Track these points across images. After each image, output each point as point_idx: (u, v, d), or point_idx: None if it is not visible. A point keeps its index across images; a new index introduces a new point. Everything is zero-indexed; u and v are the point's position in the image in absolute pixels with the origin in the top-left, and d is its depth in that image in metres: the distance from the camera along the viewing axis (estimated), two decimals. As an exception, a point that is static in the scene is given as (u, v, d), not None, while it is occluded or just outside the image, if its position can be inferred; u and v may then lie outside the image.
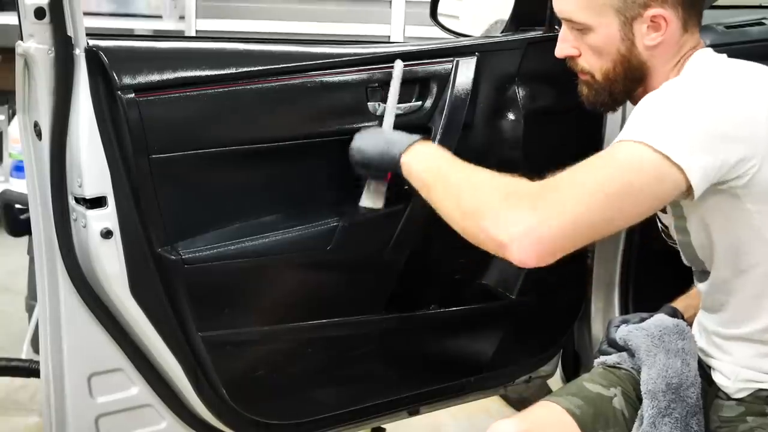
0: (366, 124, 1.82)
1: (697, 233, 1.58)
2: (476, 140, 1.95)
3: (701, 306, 1.70)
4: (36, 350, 2.69)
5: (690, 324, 1.72)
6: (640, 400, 1.64)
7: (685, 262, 1.70)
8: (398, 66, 1.82)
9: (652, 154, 1.40)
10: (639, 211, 1.45)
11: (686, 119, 1.43)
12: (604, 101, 1.68)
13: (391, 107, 1.81)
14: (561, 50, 1.68)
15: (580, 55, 1.65)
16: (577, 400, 1.62)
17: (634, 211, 1.45)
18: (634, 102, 1.63)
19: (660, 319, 1.69)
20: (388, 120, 1.79)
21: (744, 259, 1.53)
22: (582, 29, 1.62)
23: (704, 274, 1.64)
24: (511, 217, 1.39)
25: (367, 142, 1.74)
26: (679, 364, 1.60)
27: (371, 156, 1.71)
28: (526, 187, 1.45)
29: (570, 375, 2.39)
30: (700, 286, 1.68)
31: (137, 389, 1.79)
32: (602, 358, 1.75)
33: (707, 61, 1.59)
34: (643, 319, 1.72)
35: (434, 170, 1.58)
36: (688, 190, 1.43)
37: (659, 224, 1.77)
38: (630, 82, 1.62)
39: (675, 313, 1.76)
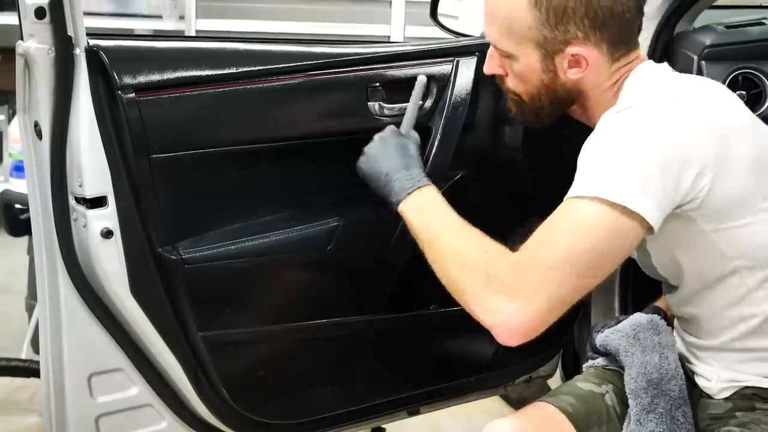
0: (366, 125, 1.82)
1: (658, 255, 1.59)
2: (476, 140, 1.95)
3: (675, 315, 1.71)
4: (36, 350, 2.69)
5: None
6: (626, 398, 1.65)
7: (647, 273, 1.70)
8: (421, 81, 1.82)
9: (609, 210, 1.40)
10: (609, 268, 1.46)
11: (632, 159, 1.42)
12: (531, 120, 1.69)
13: (408, 125, 1.80)
14: (488, 68, 1.67)
15: (507, 75, 1.64)
16: (570, 398, 1.64)
17: (605, 270, 1.46)
18: (577, 116, 1.65)
19: (634, 318, 1.71)
20: (402, 137, 1.77)
21: (708, 275, 1.54)
22: (506, 56, 1.61)
23: (671, 287, 1.65)
24: (492, 305, 1.47)
25: (371, 169, 1.72)
26: (657, 359, 1.61)
27: (374, 187, 1.72)
28: (502, 266, 1.48)
29: (570, 375, 2.39)
30: (668, 298, 1.68)
31: (137, 389, 1.79)
32: (590, 362, 1.76)
33: (644, 82, 1.56)
34: (619, 321, 1.73)
35: (426, 229, 1.60)
36: (649, 230, 1.43)
37: None
38: (558, 106, 1.63)
39: (657, 312, 1.77)
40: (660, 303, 1.81)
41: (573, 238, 1.43)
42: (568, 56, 1.54)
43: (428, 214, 1.61)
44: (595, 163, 1.46)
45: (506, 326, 1.47)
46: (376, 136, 1.75)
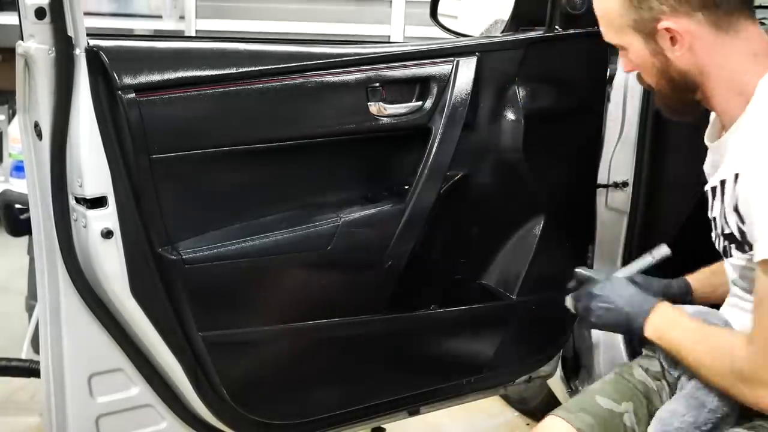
0: (366, 126, 1.82)
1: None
2: (476, 140, 1.95)
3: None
4: (36, 350, 2.68)
5: (703, 302, 1.74)
6: (651, 415, 1.63)
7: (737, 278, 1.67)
8: (662, 250, 1.82)
9: None
10: None
11: None
12: (670, 113, 1.65)
13: (630, 271, 1.81)
14: (624, 66, 1.65)
15: (637, 70, 1.63)
16: (588, 417, 1.61)
17: None
18: (711, 108, 1.59)
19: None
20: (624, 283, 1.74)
21: None
22: (621, 49, 1.61)
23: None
24: (752, 398, 1.49)
25: (608, 317, 1.69)
26: None
27: (612, 328, 1.72)
28: (745, 363, 1.48)
29: (570, 375, 2.39)
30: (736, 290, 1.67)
31: (137, 389, 1.79)
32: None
33: None
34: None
35: (672, 351, 1.61)
36: None
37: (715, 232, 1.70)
38: (681, 92, 1.58)
39: (687, 288, 1.78)
40: (694, 278, 1.83)
41: None
42: (664, 33, 1.51)
43: (668, 337, 1.61)
44: None
45: None
46: (597, 290, 1.71)
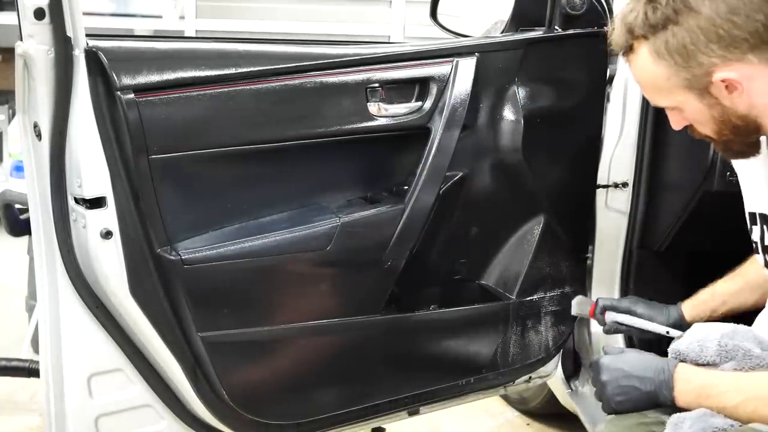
0: (366, 126, 1.82)
1: None
2: (476, 141, 1.95)
3: None
4: (36, 350, 2.69)
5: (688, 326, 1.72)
6: None
7: None
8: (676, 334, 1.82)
9: None
10: None
11: None
12: (732, 156, 1.64)
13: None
14: (674, 124, 1.62)
15: (692, 125, 1.60)
16: None
17: None
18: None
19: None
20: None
21: None
22: (673, 110, 1.58)
23: None
24: None
25: (629, 399, 1.62)
26: None
27: (639, 410, 1.63)
28: None
29: (570, 375, 2.39)
30: None
31: (137, 389, 1.79)
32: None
33: None
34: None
35: (720, 410, 1.54)
36: None
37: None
38: (745, 136, 1.55)
39: (681, 321, 1.76)
40: (687, 307, 1.83)
41: None
42: (719, 84, 1.48)
43: (707, 403, 1.54)
44: None
45: None
46: (604, 376, 1.65)
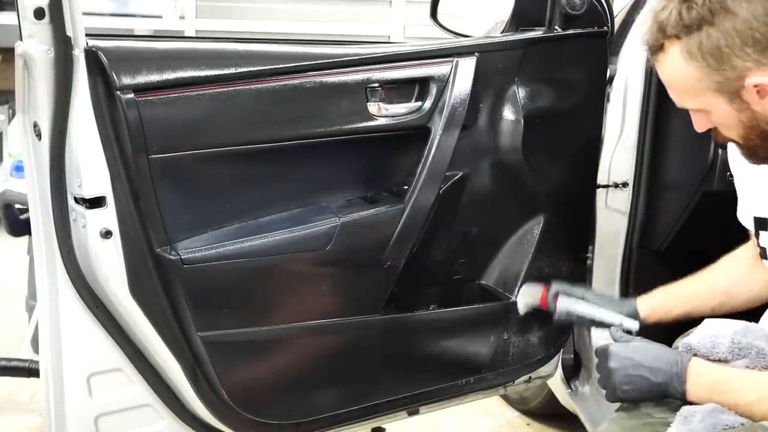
0: (366, 126, 1.82)
1: None
2: (476, 141, 1.95)
3: None
4: (36, 350, 2.69)
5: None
6: None
7: None
8: (633, 325, 1.81)
9: None
10: None
11: None
12: (757, 161, 1.59)
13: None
14: (698, 126, 1.59)
15: (716, 128, 1.57)
16: None
17: None
18: None
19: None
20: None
21: None
22: (700, 112, 1.55)
23: None
24: None
25: (635, 389, 1.60)
26: None
27: (645, 399, 1.61)
28: None
29: (570, 375, 2.39)
30: None
31: (136, 389, 1.79)
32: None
33: None
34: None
35: (732, 407, 1.52)
36: None
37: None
38: None
39: (635, 316, 1.78)
40: (643, 304, 1.81)
41: None
42: (751, 89, 1.45)
43: (719, 399, 1.52)
44: None
45: None
46: (612, 362, 1.62)
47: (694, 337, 1.62)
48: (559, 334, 2.18)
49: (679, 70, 1.49)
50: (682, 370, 1.54)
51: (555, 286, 1.95)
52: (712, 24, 1.43)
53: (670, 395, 1.56)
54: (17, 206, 2.35)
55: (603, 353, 1.64)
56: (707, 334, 1.61)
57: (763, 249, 1.64)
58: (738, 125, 1.51)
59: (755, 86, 1.44)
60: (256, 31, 4.56)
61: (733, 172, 1.78)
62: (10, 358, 2.41)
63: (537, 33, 2.01)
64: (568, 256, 2.12)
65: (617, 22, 2.25)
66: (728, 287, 1.82)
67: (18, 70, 1.63)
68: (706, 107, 1.52)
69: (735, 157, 1.69)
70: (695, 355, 1.59)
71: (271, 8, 4.69)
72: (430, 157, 1.87)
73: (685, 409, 1.54)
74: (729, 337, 1.58)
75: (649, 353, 1.59)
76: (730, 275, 1.82)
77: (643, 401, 1.60)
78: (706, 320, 1.66)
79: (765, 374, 1.53)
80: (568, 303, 1.92)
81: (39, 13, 1.55)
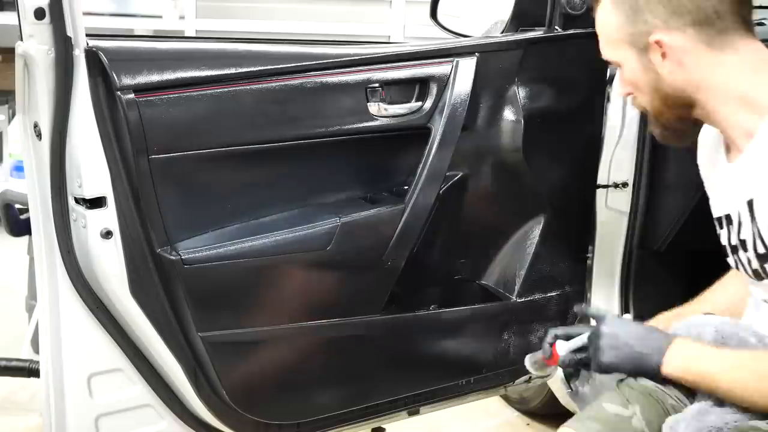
0: (366, 126, 1.82)
1: None
2: (476, 141, 1.95)
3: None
4: (36, 350, 2.68)
5: None
6: (660, 415, 1.62)
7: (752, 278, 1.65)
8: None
9: None
10: None
11: None
12: (667, 136, 1.63)
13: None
14: (619, 90, 1.66)
15: (632, 93, 1.62)
16: (596, 424, 1.59)
17: None
18: (710, 124, 1.58)
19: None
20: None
21: None
22: (616, 66, 1.60)
23: None
24: None
25: (617, 358, 1.62)
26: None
27: (624, 369, 1.63)
28: None
29: (570, 375, 2.39)
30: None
31: (137, 389, 1.79)
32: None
33: None
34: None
35: (706, 380, 1.55)
36: None
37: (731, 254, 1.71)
38: (676, 109, 1.57)
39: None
40: (658, 321, 1.76)
41: None
42: (655, 47, 1.51)
43: (695, 370, 1.56)
44: None
45: None
46: (604, 328, 1.63)
47: (680, 329, 1.64)
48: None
49: (606, 18, 1.58)
50: (665, 345, 1.58)
51: (552, 331, 1.80)
52: None
53: (646, 369, 1.59)
54: (17, 206, 2.35)
55: (600, 318, 1.67)
56: (692, 324, 1.64)
57: (724, 247, 1.66)
58: (644, 86, 1.57)
59: (657, 43, 1.51)
60: (257, 31, 4.56)
61: (703, 179, 1.79)
62: (10, 358, 2.41)
63: (537, 33, 2.02)
64: (568, 256, 2.12)
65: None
66: (726, 308, 1.81)
67: (18, 70, 1.63)
68: (620, 60, 1.58)
69: (700, 159, 1.70)
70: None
71: (271, 8, 4.69)
72: (431, 157, 1.87)
73: (670, 418, 1.56)
74: (714, 326, 1.61)
75: (642, 329, 1.63)
76: (725, 296, 1.82)
77: (620, 371, 1.63)
78: (692, 316, 1.68)
79: (738, 351, 1.55)
80: (566, 345, 1.76)
81: (39, 14, 1.55)
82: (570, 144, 2.07)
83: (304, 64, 1.79)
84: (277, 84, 1.76)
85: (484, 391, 2.20)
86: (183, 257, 1.71)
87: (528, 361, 1.85)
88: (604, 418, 1.62)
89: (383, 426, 2.18)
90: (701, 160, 1.68)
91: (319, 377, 1.93)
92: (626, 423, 1.61)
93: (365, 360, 1.97)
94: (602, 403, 1.66)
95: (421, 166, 1.88)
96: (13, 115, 4.17)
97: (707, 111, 1.55)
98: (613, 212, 2.25)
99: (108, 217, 1.64)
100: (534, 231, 2.06)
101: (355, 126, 1.83)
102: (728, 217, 1.60)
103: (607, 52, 1.61)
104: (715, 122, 1.56)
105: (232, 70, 1.73)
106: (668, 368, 1.57)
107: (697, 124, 1.60)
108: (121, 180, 1.65)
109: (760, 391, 1.49)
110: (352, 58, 1.84)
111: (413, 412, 2.12)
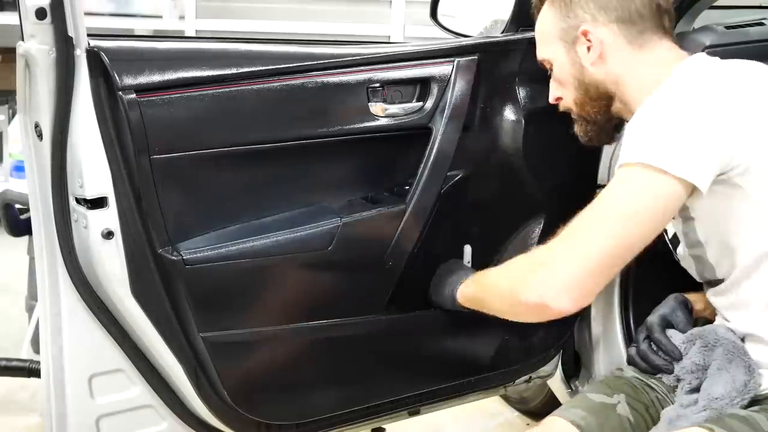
0: (367, 126, 1.84)
1: (704, 231, 1.61)
2: (477, 141, 1.95)
3: (725, 318, 1.69)
4: (36, 350, 2.69)
5: (698, 317, 1.78)
6: (645, 404, 1.64)
7: (697, 277, 1.74)
8: None
9: (655, 173, 1.47)
10: (654, 227, 1.51)
11: (677, 129, 1.49)
12: (590, 132, 1.77)
13: None
14: (550, 97, 1.80)
15: (561, 98, 1.76)
16: (581, 411, 1.64)
17: (650, 229, 1.50)
18: (624, 116, 1.70)
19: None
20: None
21: (760, 244, 1.56)
22: (549, 68, 1.74)
23: (719, 281, 1.65)
24: (538, 280, 1.51)
25: (435, 293, 1.92)
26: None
27: (439, 303, 1.91)
28: (544, 250, 1.57)
29: (570, 375, 2.39)
30: (716, 298, 1.68)
31: (138, 390, 1.79)
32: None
33: (691, 67, 1.62)
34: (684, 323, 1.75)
35: (480, 296, 1.75)
36: (694, 191, 1.49)
37: (669, 244, 1.79)
38: (596, 101, 1.71)
39: (685, 302, 1.78)
40: (690, 295, 1.83)
41: (618, 198, 1.52)
42: (582, 38, 1.65)
43: (473, 294, 1.79)
44: (641, 135, 1.52)
45: (555, 294, 1.50)
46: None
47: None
48: (559, 334, 2.18)
49: (542, 17, 1.75)
50: (466, 276, 1.83)
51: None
52: None
53: (447, 299, 1.85)
54: (18, 206, 2.35)
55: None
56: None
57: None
58: (570, 81, 1.71)
59: (584, 34, 1.64)
60: (257, 31, 4.56)
61: None
62: (10, 358, 2.41)
63: (537, 33, 2.01)
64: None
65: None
66: None
67: (19, 70, 1.63)
68: (551, 57, 1.72)
69: None
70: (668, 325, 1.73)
71: (271, 8, 4.69)
72: (432, 157, 1.87)
73: (670, 409, 1.59)
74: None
75: (456, 265, 1.91)
76: None
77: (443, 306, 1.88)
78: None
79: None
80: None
81: (40, 14, 1.55)
82: (570, 144, 2.07)
83: (305, 64, 1.79)
84: (279, 84, 1.76)
85: (484, 391, 2.20)
86: (184, 257, 1.70)
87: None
88: (590, 406, 1.66)
89: (383, 426, 2.18)
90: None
91: (319, 377, 1.93)
92: (611, 410, 1.65)
93: (366, 360, 1.97)
94: (587, 394, 1.70)
95: (422, 166, 1.88)
96: (13, 115, 4.16)
97: (624, 103, 1.68)
98: (613, 212, 2.25)
99: (109, 217, 1.64)
100: (535, 231, 2.06)
101: (356, 126, 1.83)
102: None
103: (540, 50, 1.76)
104: (630, 115, 1.65)
105: (234, 70, 1.73)
106: (461, 296, 1.82)
107: (616, 122, 1.74)
108: (123, 180, 1.65)
109: (513, 277, 1.62)
110: (353, 58, 1.84)
111: (414, 413, 2.12)
